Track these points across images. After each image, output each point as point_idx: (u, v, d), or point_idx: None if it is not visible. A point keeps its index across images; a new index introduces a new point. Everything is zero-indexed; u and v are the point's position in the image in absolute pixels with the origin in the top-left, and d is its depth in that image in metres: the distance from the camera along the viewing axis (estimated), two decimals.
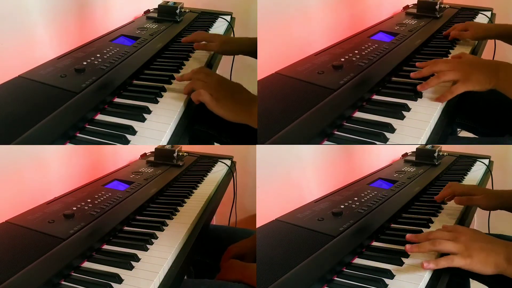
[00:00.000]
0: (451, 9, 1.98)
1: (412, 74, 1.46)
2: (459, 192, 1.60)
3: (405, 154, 2.10)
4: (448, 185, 1.64)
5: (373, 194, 1.65)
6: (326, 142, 1.31)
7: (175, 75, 1.55)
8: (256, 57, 1.56)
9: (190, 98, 1.45)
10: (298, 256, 1.27)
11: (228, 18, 2.03)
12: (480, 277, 1.42)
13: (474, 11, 1.99)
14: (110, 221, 1.46)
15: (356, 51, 1.60)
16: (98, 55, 1.59)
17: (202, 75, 1.48)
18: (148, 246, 1.36)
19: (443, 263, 1.23)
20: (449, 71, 1.41)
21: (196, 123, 1.53)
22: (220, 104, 1.41)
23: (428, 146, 2.00)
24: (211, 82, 1.45)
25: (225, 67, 1.88)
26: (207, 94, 1.41)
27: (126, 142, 1.32)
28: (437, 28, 1.81)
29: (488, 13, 1.99)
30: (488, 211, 1.79)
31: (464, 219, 1.55)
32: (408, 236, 1.33)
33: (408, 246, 1.28)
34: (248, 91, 1.45)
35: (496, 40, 1.85)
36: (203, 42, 1.72)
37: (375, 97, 1.44)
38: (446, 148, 2.06)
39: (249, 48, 1.65)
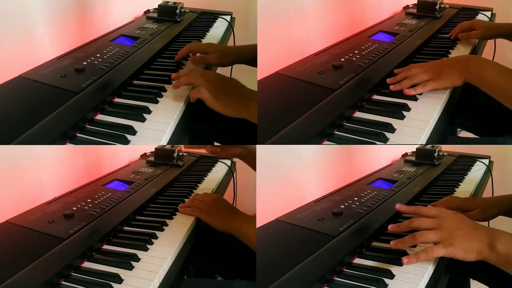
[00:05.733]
0: (451, 9, 1.98)
1: (388, 80, 1.46)
2: (453, 203, 1.56)
3: (405, 154, 2.10)
4: (443, 200, 1.59)
5: (373, 194, 1.65)
6: (326, 142, 1.31)
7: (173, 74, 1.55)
8: (255, 65, 1.54)
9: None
10: (298, 256, 1.27)
11: (228, 18, 2.03)
12: (480, 277, 1.41)
13: (474, 11, 1.99)
14: (110, 221, 1.46)
15: (356, 51, 1.60)
16: (98, 55, 1.59)
17: (199, 72, 1.47)
18: (148, 246, 1.36)
19: (423, 257, 1.22)
20: (420, 73, 1.44)
21: (196, 122, 1.53)
22: (219, 100, 1.40)
23: (428, 146, 1.99)
24: (210, 79, 1.44)
25: (224, 67, 1.87)
26: (207, 91, 1.41)
27: (126, 142, 1.32)
28: (437, 28, 1.81)
29: (488, 13, 1.99)
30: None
31: None
32: (390, 227, 1.33)
33: (392, 242, 1.27)
34: (246, 87, 1.44)
35: (496, 40, 1.85)
36: (199, 55, 1.64)
37: (375, 97, 1.44)
38: (446, 148, 2.06)
39: (248, 56, 1.63)
